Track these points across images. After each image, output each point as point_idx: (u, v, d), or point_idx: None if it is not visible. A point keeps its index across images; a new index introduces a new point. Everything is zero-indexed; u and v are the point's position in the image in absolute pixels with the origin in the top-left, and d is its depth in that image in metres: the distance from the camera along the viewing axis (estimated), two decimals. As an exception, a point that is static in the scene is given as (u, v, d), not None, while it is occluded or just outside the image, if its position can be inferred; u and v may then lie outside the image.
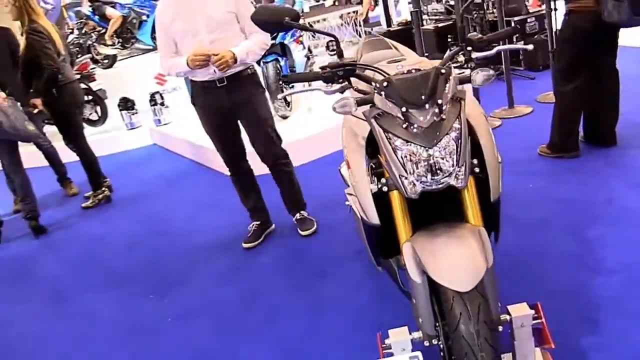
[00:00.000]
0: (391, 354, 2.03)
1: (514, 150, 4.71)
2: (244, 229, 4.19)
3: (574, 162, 4.28)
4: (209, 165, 6.12)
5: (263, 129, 3.78)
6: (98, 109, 8.01)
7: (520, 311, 2.06)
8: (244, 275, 3.71)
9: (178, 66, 3.52)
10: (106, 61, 9.72)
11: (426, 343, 2.04)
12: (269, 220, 4.22)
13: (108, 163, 6.30)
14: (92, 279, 4.13)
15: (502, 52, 5.48)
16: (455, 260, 1.86)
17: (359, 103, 2.03)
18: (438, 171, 1.90)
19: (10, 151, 5.09)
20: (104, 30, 9.41)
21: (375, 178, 2.13)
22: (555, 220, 3.53)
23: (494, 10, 6.40)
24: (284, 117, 6.36)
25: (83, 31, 10.21)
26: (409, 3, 8.74)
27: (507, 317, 2.06)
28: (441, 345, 2.02)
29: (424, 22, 8.11)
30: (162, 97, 7.76)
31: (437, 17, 8.20)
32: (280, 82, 6.02)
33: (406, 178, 1.92)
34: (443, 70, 1.95)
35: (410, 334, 2.06)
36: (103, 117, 8.06)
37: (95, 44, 9.61)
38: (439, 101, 1.89)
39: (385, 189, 2.08)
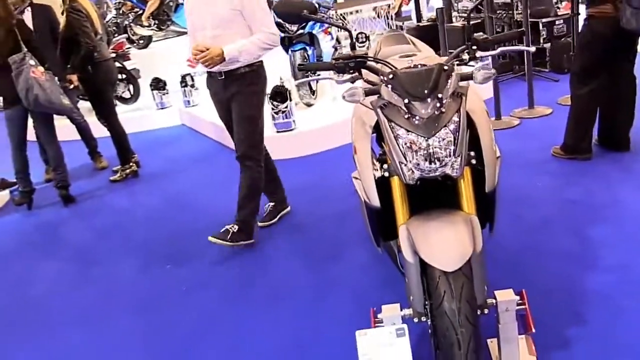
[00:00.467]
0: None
1: (528, 150, 4.83)
2: (262, 209, 4.37)
3: (586, 164, 4.38)
4: (232, 147, 6.29)
5: (242, 125, 3.83)
6: (131, 87, 8.27)
7: (505, 296, 2.21)
8: (256, 253, 3.90)
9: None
10: (141, 41, 9.98)
11: (415, 320, 2.20)
12: (285, 201, 4.37)
13: (137, 140, 6.53)
14: (115, 247, 4.36)
15: (526, 55, 5.57)
16: (444, 242, 2.02)
17: (367, 93, 2.18)
18: (435, 160, 2.05)
19: (46, 123, 5.33)
20: (141, 12, 9.64)
21: (379, 164, 2.29)
22: (560, 219, 3.65)
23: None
24: (309, 105, 6.53)
25: (121, 11, 10.49)
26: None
27: (493, 301, 2.21)
28: (429, 323, 2.18)
29: (454, 19, 8.19)
30: (192, 79, 7.98)
31: (466, 15, 8.27)
32: (302, 72, 6.17)
33: (405, 165, 2.07)
34: (446, 67, 2.09)
35: (401, 310, 2.22)
36: (135, 95, 8.32)
37: (131, 24, 9.85)
38: (440, 95, 2.04)
39: (387, 174, 2.23)
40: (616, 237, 3.34)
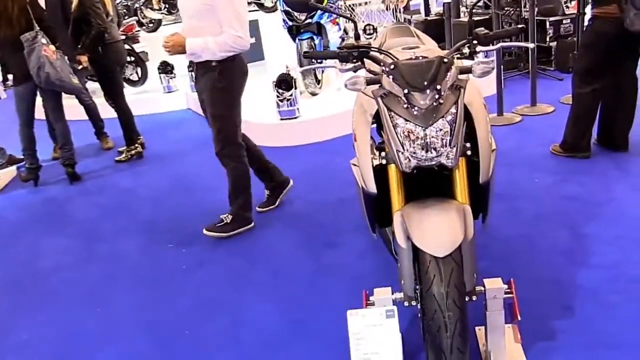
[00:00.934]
0: (374, 309, 2.27)
1: (528, 146, 4.90)
2: (261, 193, 4.45)
3: (584, 162, 4.44)
4: (238, 133, 6.39)
5: (213, 123, 3.85)
6: (139, 70, 8.35)
7: (494, 284, 2.30)
8: (256, 237, 3.99)
9: None
10: (151, 25, 10.04)
11: (406, 303, 2.28)
12: (284, 183, 4.41)
13: (143, 122, 6.62)
14: (119, 225, 4.45)
15: (531, 53, 5.62)
16: (436, 229, 2.10)
17: (369, 82, 2.25)
18: (432, 149, 2.12)
19: (55, 101, 5.42)
20: (153, -5, 9.71)
21: (378, 152, 2.37)
22: (555, 215, 3.72)
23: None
24: (313, 94, 6.60)
25: (131, -7, 10.56)
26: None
27: (482, 288, 2.29)
28: (418, 307, 2.26)
29: (462, 15, 8.23)
30: (200, 64, 8.03)
31: (474, 11, 8.31)
32: (312, 60, 6.25)
33: (402, 153, 2.15)
34: (446, 60, 2.15)
35: (392, 294, 2.30)
36: (143, 78, 8.39)
37: (142, 7, 9.91)
38: (439, 87, 2.10)
39: (384, 162, 2.31)
40: (609, 235, 3.40)
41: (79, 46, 5.61)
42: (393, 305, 2.25)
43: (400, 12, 10.37)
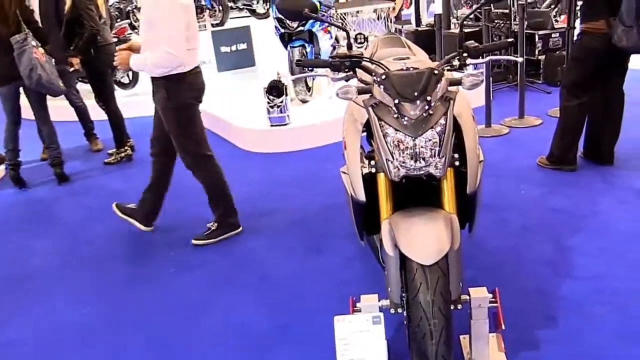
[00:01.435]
0: (360, 316, 2.30)
1: (515, 158, 4.96)
2: (250, 199, 4.47)
3: (570, 175, 4.50)
4: (226, 138, 6.43)
5: (173, 140, 3.80)
6: (130, 72, 8.33)
7: (479, 293, 2.34)
8: (245, 242, 4.00)
9: None
10: (143, 28, 10.04)
11: (392, 311, 2.31)
12: (145, 220, 4.20)
13: (133, 125, 6.60)
14: (107, 226, 4.44)
15: (519, 66, 5.68)
16: (423, 237, 2.13)
17: (360, 92, 2.29)
18: (421, 159, 2.15)
19: (39, 102, 5.39)
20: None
21: (367, 161, 2.40)
22: (540, 227, 3.77)
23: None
24: (304, 102, 6.63)
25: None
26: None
27: (467, 297, 2.33)
28: (404, 314, 2.28)
29: (452, 26, 8.30)
30: (191, 68, 8.05)
31: (465, 23, 8.38)
32: (303, 68, 6.29)
33: (392, 162, 2.18)
34: (436, 71, 2.19)
35: (379, 301, 2.33)
36: (134, 81, 8.39)
37: (135, 10, 9.91)
38: (429, 98, 2.14)
39: (374, 170, 2.34)
40: (594, 248, 3.45)
41: (72, 48, 5.61)
42: (379, 312, 2.28)
43: (391, 21, 10.44)
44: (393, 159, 2.17)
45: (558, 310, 2.90)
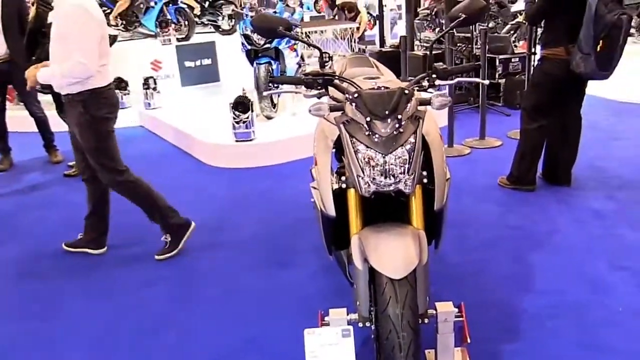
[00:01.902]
0: (329, 329, 2.33)
1: (476, 177, 5.09)
2: (214, 213, 4.46)
3: (529, 195, 4.63)
4: (190, 152, 6.41)
5: (90, 156, 3.81)
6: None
7: (445, 308, 2.39)
8: (209, 256, 3.99)
9: None
10: (106, 40, 9.95)
11: (360, 324, 2.35)
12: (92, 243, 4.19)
13: (95, 137, 6.53)
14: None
15: (481, 88, 5.85)
16: (392, 252, 2.17)
17: (332, 109, 2.33)
18: (390, 176, 2.20)
19: None
20: (109, 10, 9.63)
21: (337, 177, 2.45)
22: (501, 244, 3.87)
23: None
24: (269, 118, 6.67)
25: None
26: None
27: (434, 312, 2.38)
28: (372, 328, 2.32)
29: (416, 48, 8.48)
30: (155, 82, 8.03)
31: (428, 45, 8.58)
32: (269, 83, 6.33)
33: (362, 178, 2.22)
34: (407, 91, 2.25)
35: (347, 314, 2.37)
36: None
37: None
38: (399, 116, 2.20)
39: (344, 186, 2.38)
40: (551, 264, 3.56)
41: (34, 58, 5.53)
42: (348, 325, 2.31)
43: (355, 41, 10.59)
44: (364, 175, 2.21)
45: (520, 323, 2.98)
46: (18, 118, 5.61)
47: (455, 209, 4.30)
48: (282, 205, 4.73)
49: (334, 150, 2.62)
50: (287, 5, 7.65)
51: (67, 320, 3.34)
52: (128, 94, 8.26)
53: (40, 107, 6.26)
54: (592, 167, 5.11)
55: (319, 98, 2.52)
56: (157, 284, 3.66)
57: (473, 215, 4.33)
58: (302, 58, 7.60)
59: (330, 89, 2.50)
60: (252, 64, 6.72)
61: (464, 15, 2.49)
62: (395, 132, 2.19)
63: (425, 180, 2.40)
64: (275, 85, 6.29)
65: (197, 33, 9.68)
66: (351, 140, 2.24)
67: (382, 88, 2.32)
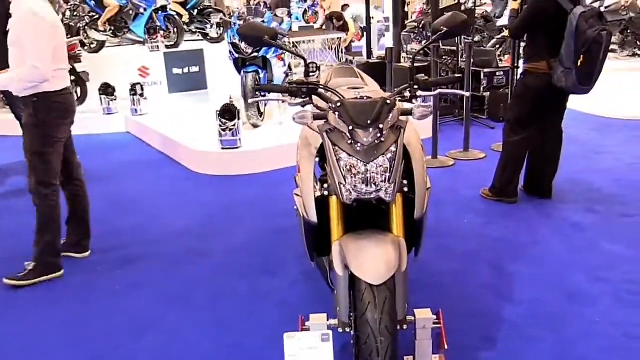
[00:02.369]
0: (309, 335, 2.36)
1: (459, 188, 5.15)
2: (200, 220, 4.48)
3: (511, 207, 4.70)
4: (176, 159, 6.43)
5: (27, 158, 3.76)
6: (79, 89, 8.25)
7: (423, 314, 2.43)
8: (194, 262, 4.01)
9: None
10: (93, 45, 9.96)
11: (340, 330, 2.38)
12: (79, 246, 4.19)
13: (80, 143, 6.44)
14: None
15: (465, 101, 5.93)
16: (372, 258, 2.21)
17: (315, 117, 2.38)
18: (372, 184, 2.25)
19: None
20: (97, 16, 9.65)
21: (320, 184, 2.49)
22: (482, 254, 3.92)
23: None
24: (255, 126, 6.71)
25: (75, 13, 10.47)
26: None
27: (412, 318, 2.42)
28: (352, 333, 2.36)
29: (402, 60, 8.56)
30: (142, 89, 8.06)
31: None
32: (257, 92, 6.38)
33: (344, 186, 2.27)
34: (388, 101, 2.30)
35: (328, 320, 2.40)
36: (82, 98, 8.30)
37: (87, 27, 9.83)
38: (381, 126, 2.25)
39: (326, 193, 2.43)
40: (530, 274, 3.62)
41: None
42: (330, 331, 2.35)
43: (342, 52, 10.68)
44: (345, 182, 2.26)
45: (498, 332, 3.02)
46: (2, 122, 5.60)
47: (438, 219, 4.38)
48: (267, 213, 4.76)
49: (318, 158, 2.67)
50: (276, 15, 7.71)
51: (45, 324, 3.34)
52: (115, 99, 8.28)
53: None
54: (574, 181, 5.19)
55: (303, 106, 2.57)
56: (142, 288, 3.67)
57: (455, 226, 4.39)
58: (289, 67, 7.66)
59: (315, 97, 2.54)
60: (239, 72, 6.77)
61: (445, 29, 2.55)
62: (376, 141, 2.24)
63: (406, 189, 2.45)
64: (263, 93, 6.34)
65: (185, 41, 9.71)
66: (334, 149, 2.29)
67: (365, 98, 2.37)
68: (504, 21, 10.07)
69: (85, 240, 4.15)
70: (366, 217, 2.49)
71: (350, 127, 2.24)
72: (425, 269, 3.63)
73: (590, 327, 3.05)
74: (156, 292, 3.63)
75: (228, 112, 5.84)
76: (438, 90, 2.60)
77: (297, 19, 18.54)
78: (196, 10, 10.11)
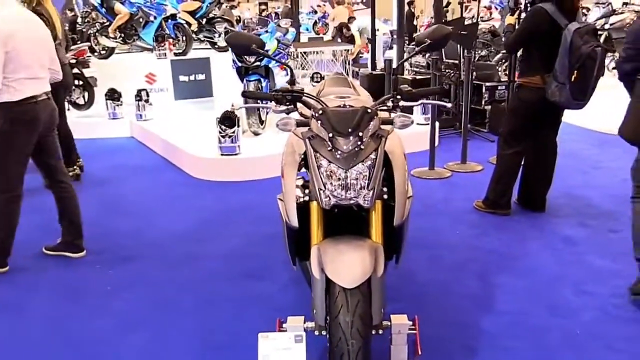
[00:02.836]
0: (286, 336, 2.41)
1: (454, 200, 5.19)
2: (196, 224, 4.54)
3: (504, 219, 4.73)
4: (178, 165, 6.51)
5: None
6: (86, 94, 8.35)
7: (399, 320, 2.49)
8: (185, 265, 4.06)
9: None
10: (103, 52, 10.09)
11: (316, 332, 2.44)
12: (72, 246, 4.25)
13: (85, 146, 6.63)
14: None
15: (463, 114, 5.98)
16: (347, 263, 2.27)
17: (298, 124, 2.45)
18: (350, 190, 2.31)
19: None
20: (108, 23, 9.79)
21: (302, 189, 2.55)
22: (471, 265, 3.95)
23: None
24: (256, 134, 6.78)
25: (86, 20, 10.63)
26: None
27: (389, 323, 2.47)
28: (328, 336, 2.40)
29: (406, 72, 8.62)
30: (147, 95, 8.17)
31: (417, 69, 8.75)
32: (257, 101, 6.46)
33: (324, 191, 2.33)
34: (369, 110, 2.37)
35: (305, 322, 2.46)
36: (89, 102, 8.40)
37: (97, 34, 9.96)
38: (361, 134, 2.31)
39: (307, 198, 2.49)
40: (516, 286, 3.65)
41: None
42: (304, 332, 2.40)
43: (349, 64, 10.76)
44: (325, 188, 2.32)
45: (476, 341, 3.06)
46: None
47: (431, 230, 4.43)
48: (263, 219, 4.81)
49: (303, 163, 2.73)
50: (279, 26, 7.81)
51: (33, 321, 3.41)
52: (121, 105, 8.38)
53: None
54: (569, 195, 5.22)
55: (287, 114, 2.63)
56: (133, 289, 3.73)
57: (447, 237, 4.42)
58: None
59: (299, 105, 2.61)
60: (242, 80, 6.86)
61: (429, 41, 2.61)
62: (356, 149, 2.30)
63: (385, 196, 2.50)
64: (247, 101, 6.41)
65: (193, 49, 9.83)
66: (315, 155, 2.35)
67: (348, 107, 2.43)
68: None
69: (78, 240, 4.22)
70: (346, 223, 2.55)
71: (331, 135, 2.30)
72: (411, 278, 3.68)
73: (571, 340, 3.07)
74: (147, 293, 3.69)
75: (228, 119, 5.91)
76: (421, 101, 2.66)
77: (307, 29, 18.71)
78: (205, 20, 10.24)
